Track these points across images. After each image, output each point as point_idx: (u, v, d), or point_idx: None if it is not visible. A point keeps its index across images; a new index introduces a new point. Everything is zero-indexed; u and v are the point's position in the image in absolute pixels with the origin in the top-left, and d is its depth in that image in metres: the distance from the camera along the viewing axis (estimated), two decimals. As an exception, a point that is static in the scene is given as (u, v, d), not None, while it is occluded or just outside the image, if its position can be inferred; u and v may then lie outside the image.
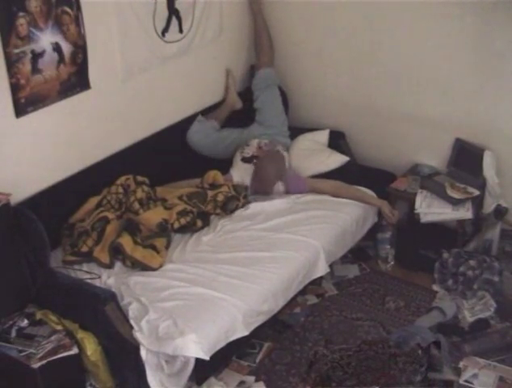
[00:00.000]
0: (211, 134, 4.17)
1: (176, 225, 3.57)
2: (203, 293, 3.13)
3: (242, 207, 3.78)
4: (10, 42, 3.05)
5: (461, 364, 3.29)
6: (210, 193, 3.75)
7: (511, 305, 3.62)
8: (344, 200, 3.86)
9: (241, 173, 3.98)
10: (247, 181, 3.95)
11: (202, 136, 4.13)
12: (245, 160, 4.02)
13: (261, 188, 3.93)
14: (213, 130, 4.20)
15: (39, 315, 3.12)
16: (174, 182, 3.90)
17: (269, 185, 3.91)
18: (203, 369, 3.04)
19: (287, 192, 3.93)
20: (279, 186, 3.94)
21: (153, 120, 3.99)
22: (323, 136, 4.33)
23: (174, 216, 3.56)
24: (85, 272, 3.30)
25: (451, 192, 3.88)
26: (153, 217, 3.53)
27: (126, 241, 3.37)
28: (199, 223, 3.64)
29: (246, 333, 3.10)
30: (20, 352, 2.94)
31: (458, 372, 3.23)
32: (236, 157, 4.06)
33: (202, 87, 4.29)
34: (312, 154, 4.18)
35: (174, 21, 3.92)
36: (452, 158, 4.07)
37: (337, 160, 4.17)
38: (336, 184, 3.94)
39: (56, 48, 3.28)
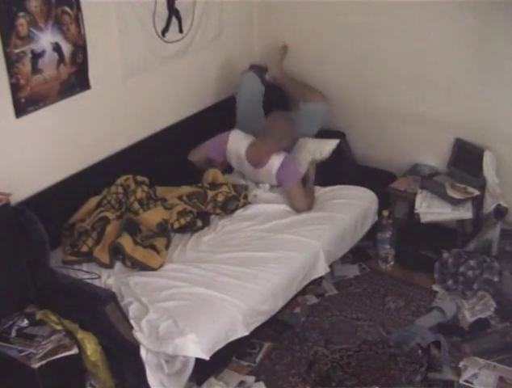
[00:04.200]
0: (257, 96, 4.21)
1: (176, 226, 3.57)
2: (204, 293, 3.13)
3: (242, 207, 3.77)
4: (10, 42, 3.05)
5: (461, 364, 3.29)
6: (210, 193, 3.74)
7: (511, 305, 3.62)
8: (344, 201, 3.85)
9: (243, 134, 3.94)
10: (245, 144, 3.90)
11: (249, 91, 4.19)
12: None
13: (260, 149, 3.83)
14: (260, 95, 4.22)
15: (39, 315, 3.12)
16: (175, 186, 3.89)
17: (271, 141, 3.80)
18: (203, 369, 3.04)
19: (278, 174, 3.81)
20: (275, 160, 3.81)
21: (153, 120, 3.99)
22: (330, 145, 4.14)
23: (174, 216, 3.56)
24: (85, 272, 3.30)
25: (451, 192, 3.88)
26: (152, 217, 3.53)
27: (126, 241, 3.37)
28: (199, 223, 3.64)
29: (246, 333, 3.10)
30: (20, 352, 2.94)
31: (458, 372, 3.23)
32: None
33: (202, 87, 4.29)
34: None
35: (174, 21, 3.92)
36: (452, 158, 4.07)
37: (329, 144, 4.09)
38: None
39: (56, 48, 3.28)
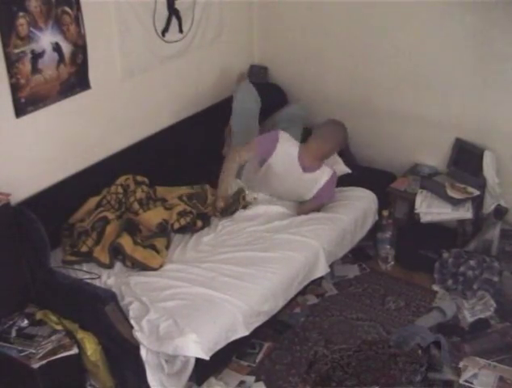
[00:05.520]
0: (254, 103, 4.10)
1: (176, 226, 3.56)
2: (204, 293, 3.13)
3: (243, 208, 3.76)
4: (10, 42, 3.05)
5: (461, 364, 3.29)
6: (210, 197, 3.74)
7: (511, 305, 3.62)
8: (344, 201, 3.86)
9: (290, 137, 3.83)
10: (295, 146, 3.79)
11: (247, 98, 4.07)
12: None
13: (315, 151, 3.75)
14: (256, 108, 4.12)
15: (39, 315, 3.12)
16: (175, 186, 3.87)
17: (327, 146, 3.76)
18: (203, 369, 3.04)
19: (321, 189, 3.75)
20: (325, 171, 3.76)
21: (153, 120, 3.99)
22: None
23: (174, 216, 3.56)
24: (85, 272, 3.30)
25: (451, 192, 3.88)
26: (153, 217, 3.53)
27: (126, 241, 3.36)
28: (200, 223, 3.64)
29: (247, 333, 3.10)
30: (20, 352, 2.94)
31: (458, 372, 3.23)
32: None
33: (202, 87, 4.29)
34: None
35: (174, 21, 3.92)
36: (452, 158, 4.07)
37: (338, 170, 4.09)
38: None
39: (56, 48, 3.28)
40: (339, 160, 4.15)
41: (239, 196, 3.78)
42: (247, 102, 4.06)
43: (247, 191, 3.84)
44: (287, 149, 3.77)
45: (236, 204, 3.74)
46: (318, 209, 3.82)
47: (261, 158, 3.80)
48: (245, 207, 3.77)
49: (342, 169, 4.14)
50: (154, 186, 3.80)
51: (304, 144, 3.83)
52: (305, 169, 3.76)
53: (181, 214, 3.59)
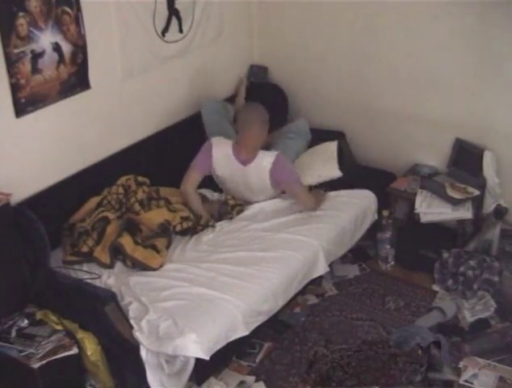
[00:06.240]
0: (223, 115, 4.08)
1: (178, 228, 3.56)
2: (204, 293, 3.13)
3: (237, 214, 3.75)
4: (10, 42, 3.05)
5: (461, 364, 3.29)
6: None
7: (511, 305, 3.62)
8: (343, 199, 3.86)
9: (223, 138, 3.77)
10: (230, 143, 3.72)
11: (215, 111, 4.06)
12: None
13: (247, 139, 3.64)
14: (226, 113, 4.11)
15: (39, 315, 3.12)
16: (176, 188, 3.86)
17: (256, 128, 3.63)
18: (203, 369, 3.04)
19: (272, 172, 3.64)
20: (265, 155, 3.65)
21: (153, 120, 3.99)
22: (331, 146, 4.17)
23: (177, 219, 3.56)
24: (85, 272, 3.30)
25: (451, 192, 3.89)
26: (154, 217, 3.53)
27: (126, 241, 3.37)
28: (200, 227, 3.64)
29: (246, 333, 3.10)
30: (20, 352, 2.94)
31: (458, 372, 3.23)
32: None
33: (202, 87, 4.29)
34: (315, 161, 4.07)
35: (174, 21, 3.92)
36: (452, 158, 4.08)
37: (329, 173, 4.04)
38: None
39: (56, 48, 3.28)
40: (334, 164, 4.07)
41: (226, 207, 3.76)
42: (215, 120, 4.03)
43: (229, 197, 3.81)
44: (222, 151, 3.72)
45: (228, 214, 3.73)
46: (314, 194, 3.79)
47: (207, 172, 3.79)
48: (241, 211, 3.76)
49: (330, 173, 4.03)
50: (157, 186, 3.79)
51: (236, 140, 3.74)
52: (244, 161, 3.68)
53: (184, 219, 3.58)
